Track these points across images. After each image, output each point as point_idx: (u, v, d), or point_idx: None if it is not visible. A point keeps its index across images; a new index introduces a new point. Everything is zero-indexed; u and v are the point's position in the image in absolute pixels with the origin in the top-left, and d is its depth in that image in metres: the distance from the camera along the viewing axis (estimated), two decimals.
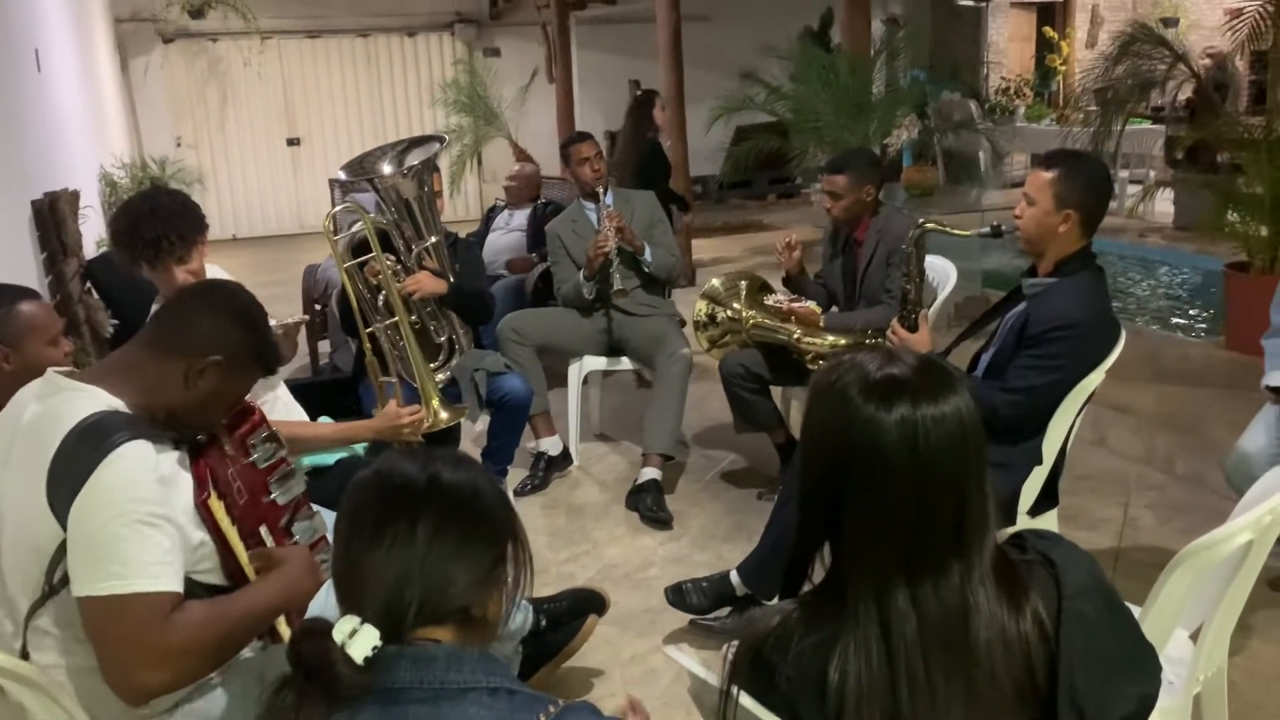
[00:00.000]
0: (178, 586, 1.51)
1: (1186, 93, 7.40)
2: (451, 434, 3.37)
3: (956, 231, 2.93)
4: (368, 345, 3.07)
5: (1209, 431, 3.99)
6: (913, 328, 2.88)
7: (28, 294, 2.25)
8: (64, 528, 1.49)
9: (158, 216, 2.59)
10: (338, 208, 3.50)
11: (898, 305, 3.00)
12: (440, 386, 3.52)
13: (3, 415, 1.68)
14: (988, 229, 2.82)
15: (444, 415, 3.09)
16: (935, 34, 11.23)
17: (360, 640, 1.09)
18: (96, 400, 1.58)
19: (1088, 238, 2.57)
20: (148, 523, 1.49)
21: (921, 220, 2.95)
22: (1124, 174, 9.30)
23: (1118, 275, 7.28)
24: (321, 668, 1.08)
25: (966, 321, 3.04)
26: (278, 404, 2.79)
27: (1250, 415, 2.96)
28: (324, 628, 1.11)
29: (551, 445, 4.12)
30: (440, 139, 3.65)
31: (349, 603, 1.15)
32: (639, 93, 6.48)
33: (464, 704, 1.09)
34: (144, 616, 1.45)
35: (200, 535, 1.63)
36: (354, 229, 3.22)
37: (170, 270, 2.59)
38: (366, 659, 1.08)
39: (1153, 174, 9.25)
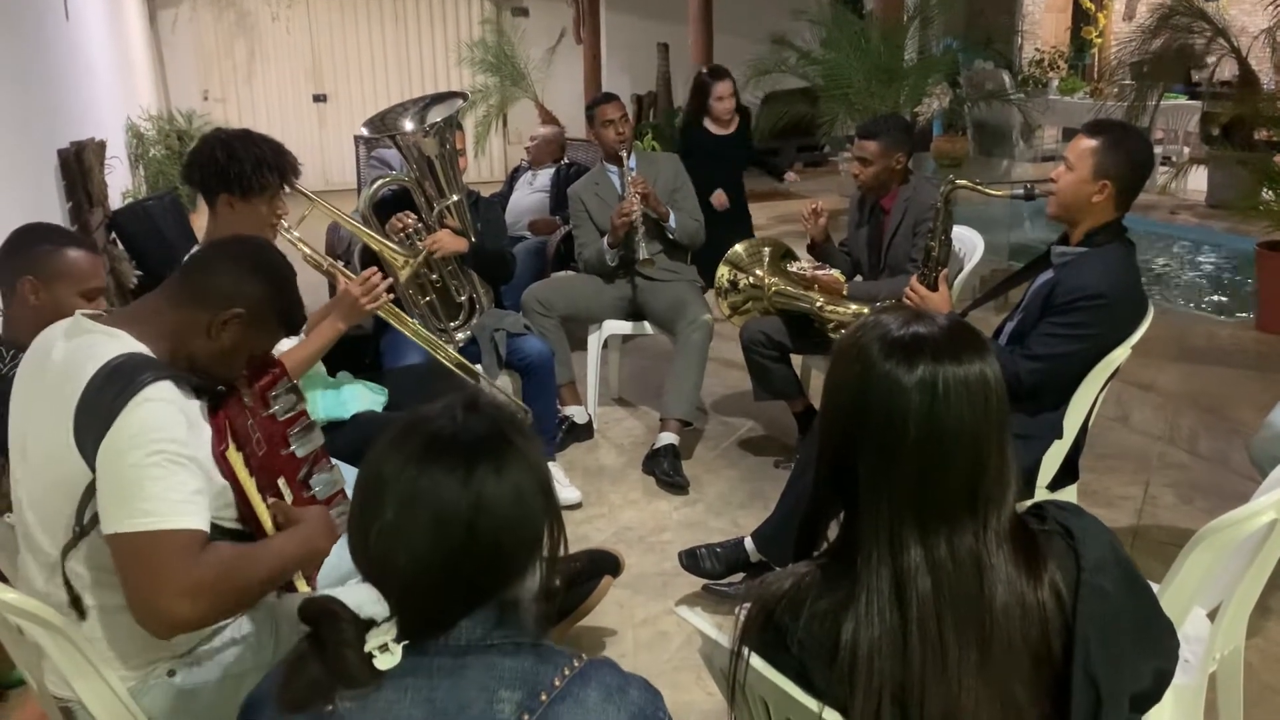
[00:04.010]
0: (204, 525, 1.51)
1: (1225, 69, 7.26)
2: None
3: (989, 191, 2.88)
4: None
5: (1234, 412, 3.95)
6: (933, 286, 2.86)
7: (82, 243, 2.27)
8: (92, 468, 1.49)
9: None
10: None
11: (920, 266, 2.97)
12: (459, 345, 3.53)
13: (32, 352, 1.69)
14: (1020, 190, 2.79)
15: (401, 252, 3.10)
16: (969, 1, 11.03)
17: (386, 657, 1.09)
18: (122, 343, 1.58)
19: (1121, 211, 2.53)
20: (175, 461, 1.49)
21: (953, 177, 2.92)
22: (1157, 150, 9.16)
23: (1146, 252, 7.19)
24: (338, 664, 1.09)
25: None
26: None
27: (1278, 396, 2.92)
28: (351, 639, 1.09)
29: (578, 414, 4.12)
30: (462, 95, 3.63)
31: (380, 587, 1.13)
32: None
33: (489, 656, 1.10)
34: (172, 552, 1.46)
35: (222, 481, 1.64)
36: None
37: (281, 200, 2.59)
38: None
39: (1186, 150, 9.11)
